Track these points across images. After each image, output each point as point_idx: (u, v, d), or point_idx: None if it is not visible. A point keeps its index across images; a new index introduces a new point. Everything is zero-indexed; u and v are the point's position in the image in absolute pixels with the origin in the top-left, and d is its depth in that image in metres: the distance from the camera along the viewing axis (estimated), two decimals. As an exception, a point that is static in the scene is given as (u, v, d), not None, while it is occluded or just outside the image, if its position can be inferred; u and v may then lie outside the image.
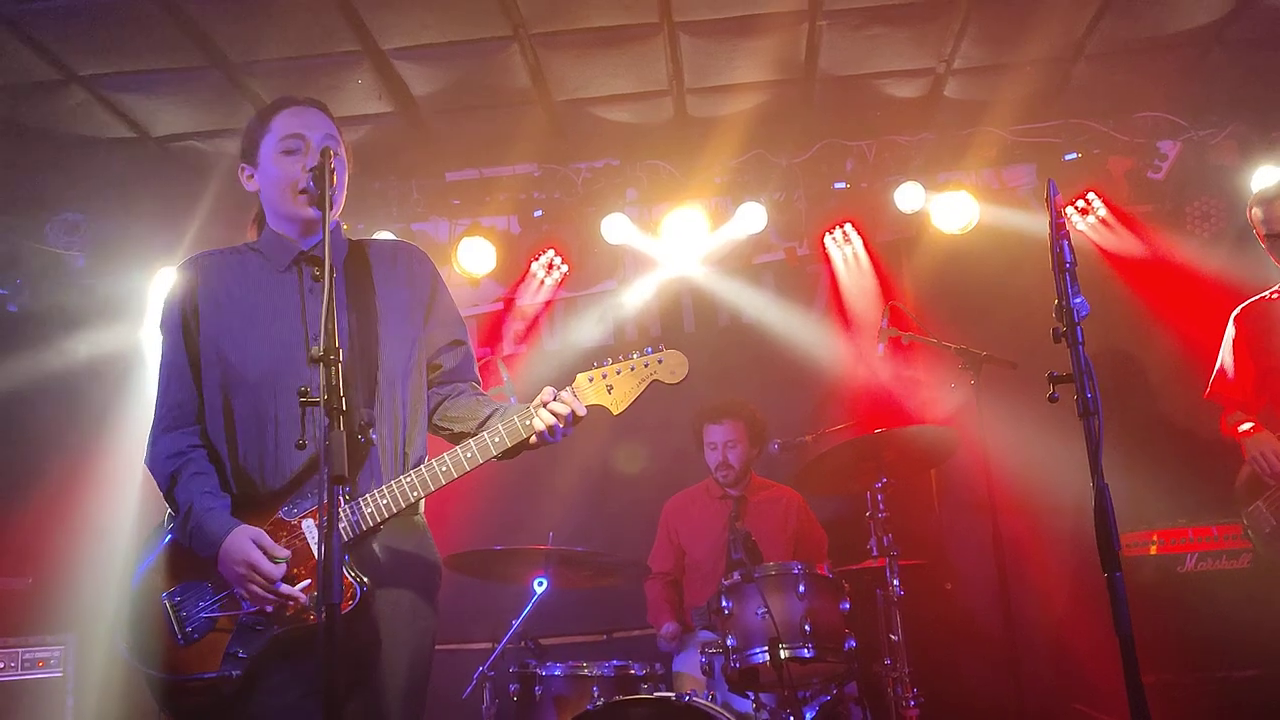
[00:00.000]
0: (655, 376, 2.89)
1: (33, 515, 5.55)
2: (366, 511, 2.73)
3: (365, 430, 2.80)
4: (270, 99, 5.46)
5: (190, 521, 2.75)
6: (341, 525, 2.69)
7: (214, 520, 2.73)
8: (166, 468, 2.84)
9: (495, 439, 2.79)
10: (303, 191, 2.88)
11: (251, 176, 3.02)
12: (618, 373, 2.87)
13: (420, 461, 2.92)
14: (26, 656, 5.06)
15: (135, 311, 6.31)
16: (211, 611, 2.73)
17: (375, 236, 6.07)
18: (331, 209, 2.85)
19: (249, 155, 3.00)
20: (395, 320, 2.95)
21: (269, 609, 2.68)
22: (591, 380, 2.87)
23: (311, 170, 2.81)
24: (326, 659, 2.28)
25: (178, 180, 6.11)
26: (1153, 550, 5.43)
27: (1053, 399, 2.60)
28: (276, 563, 2.67)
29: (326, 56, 5.26)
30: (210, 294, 2.91)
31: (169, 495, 2.83)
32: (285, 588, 2.68)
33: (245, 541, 2.68)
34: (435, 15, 5.02)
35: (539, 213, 6.36)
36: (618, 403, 2.87)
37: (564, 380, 2.91)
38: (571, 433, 2.85)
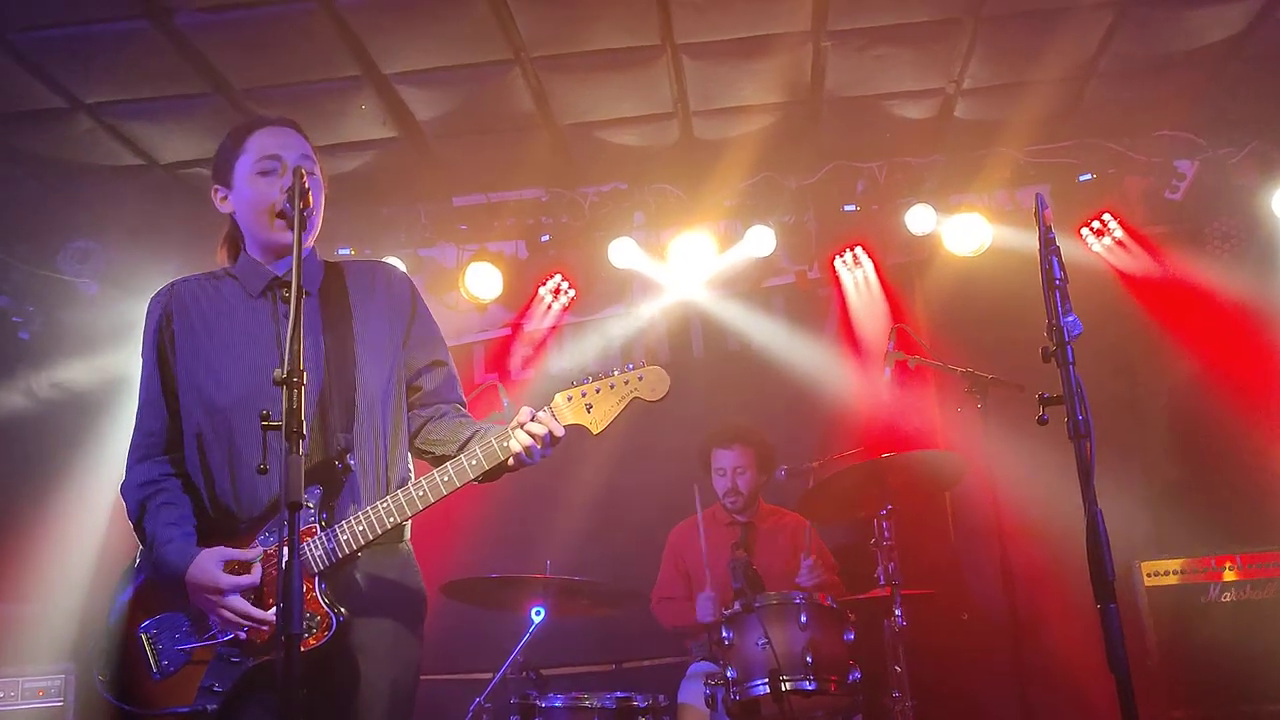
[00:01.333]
0: (636, 394, 2.78)
1: (37, 542, 5.54)
2: (342, 539, 2.67)
3: (343, 455, 2.75)
4: (274, 126, 5.55)
5: (154, 554, 2.72)
6: (317, 553, 2.65)
7: (174, 551, 2.69)
8: (136, 496, 2.81)
9: (472, 462, 2.72)
10: (279, 214, 2.83)
11: (225, 198, 2.97)
12: (596, 391, 2.77)
13: (403, 484, 2.85)
14: (27, 685, 5.04)
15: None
16: (187, 644, 2.69)
17: (353, 257, 6.11)
18: (308, 231, 2.83)
19: (222, 176, 2.95)
20: (373, 342, 2.90)
21: (242, 634, 2.63)
22: (570, 399, 2.77)
23: (287, 191, 2.75)
24: (284, 688, 2.22)
25: (187, 207, 6.12)
26: (1175, 580, 5.29)
27: (1042, 421, 2.50)
28: (249, 573, 2.63)
29: (329, 82, 5.26)
30: (186, 322, 2.88)
31: (138, 526, 2.80)
32: (256, 611, 2.62)
33: (209, 567, 2.64)
34: (435, 39, 5.01)
35: (546, 237, 6.32)
36: (597, 422, 2.77)
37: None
38: (550, 454, 2.76)
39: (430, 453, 2.98)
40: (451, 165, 6.11)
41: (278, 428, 2.36)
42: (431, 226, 6.41)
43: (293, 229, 2.72)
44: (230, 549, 2.67)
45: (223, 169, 2.95)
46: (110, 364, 6.34)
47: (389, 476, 2.85)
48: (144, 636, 2.70)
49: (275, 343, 2.85)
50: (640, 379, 2.78)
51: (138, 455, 2.88)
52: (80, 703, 5.07)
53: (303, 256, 2.59)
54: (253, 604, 2.64)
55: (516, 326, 6.59)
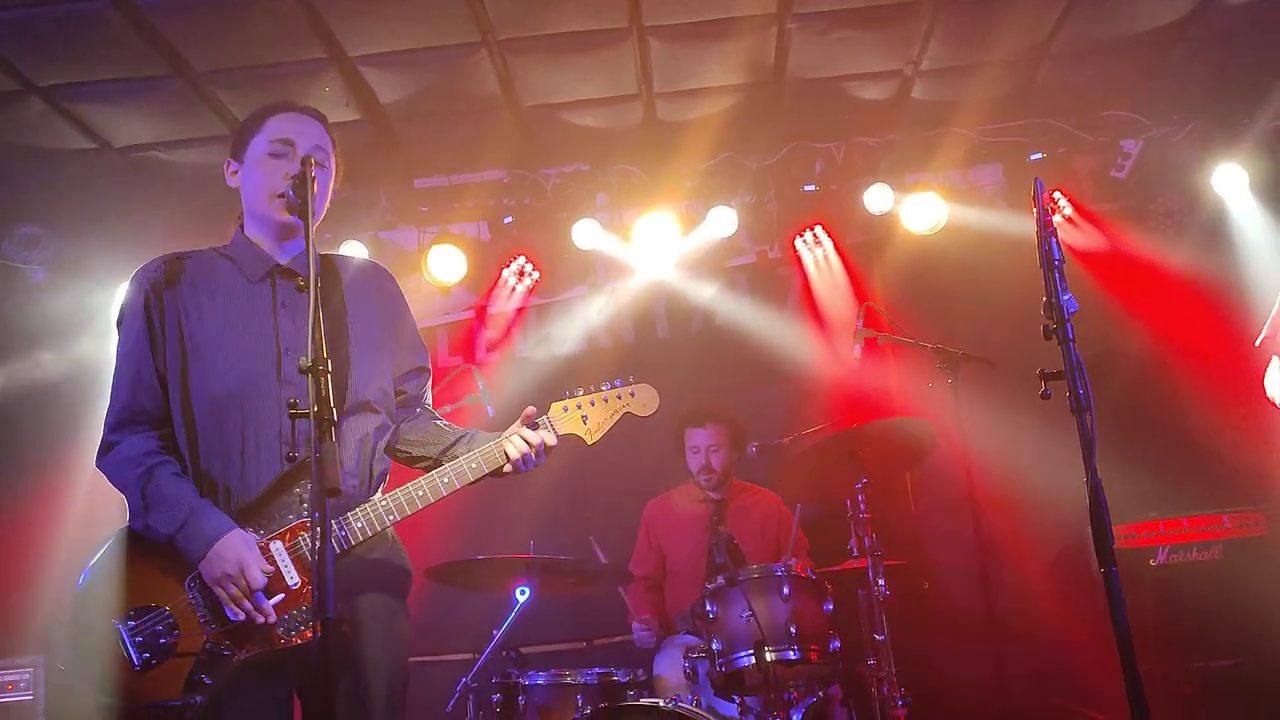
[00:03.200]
0: (628, 408, 2.99)
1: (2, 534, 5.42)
2: (340, 535, 2.69)
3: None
4: (235, 109, 5.47)
5: (184, 514, 2.65)
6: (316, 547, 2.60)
7: (212, 516, 2.66)
8: (141, 464, 2.72)
9: (472, 465, 2.83)
10: (280, 195, 2.83)
11: (235, 173, 2.98)
12: (591, 403, 2.95)
13: (383, 479, 2.93)
14: (-5, 680, 4.94)
15: (98, 326, 6.18)
16: (170, 637, 2.64)
17: (343, 249, 6.07)
18: (313, 218, 2.81)
19: (237, 151, 2.97)
20: (366, 342, 2.92)
21: (237, 618, 2.62)
22: (566, 410, 2.94)
23: (293, 178, 2.74)
24: (323, 673, 2.24)
25: (140, 191, 6.00)
26: (1125, 544, 5.47)
27: (1045, 396, 2.60)
28: (267, 571, 2.64)
29: (293, 64, 5.20)
30: (180, 301, 2.82)
31: (144, 490, 2.69)
32: (263, 601, 2.62)
33: (241, 542, 2.63)
34: (403, 22, 4.97)
35: (509, 219, 6.32)
36: (592, 432, 2.97)
37: (537, 393, 2.97)
38: (543, 462, 2.89)
39: (406, 453, 3.04)
40: (413, 147, 6.08)
41: (306, 415, 2.35)
42: (393, 209, 6.36)
43: (291, 212, 2.79)
44: (253, 542, 2.67)
45: (238, 144, 2.97)
46: (59, 354, 6.20)
47: (372, 473, 2.89)
48: (121, 628, 2.64)
49: (273, 331, 2.83)
50: (633, 395, 3.00)
51: (129, 427, 2.79)
52: (50, 696, 4.98)
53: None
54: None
55: (481, 309, 6.59)
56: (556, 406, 2.93)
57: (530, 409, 2.90)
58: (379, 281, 3.08)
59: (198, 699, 2.59)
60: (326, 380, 2.37)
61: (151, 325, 2.80)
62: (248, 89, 5.32)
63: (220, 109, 5.46)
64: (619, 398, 2.97)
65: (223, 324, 2.81)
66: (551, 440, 2.88)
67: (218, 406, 2.75)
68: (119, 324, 2.88)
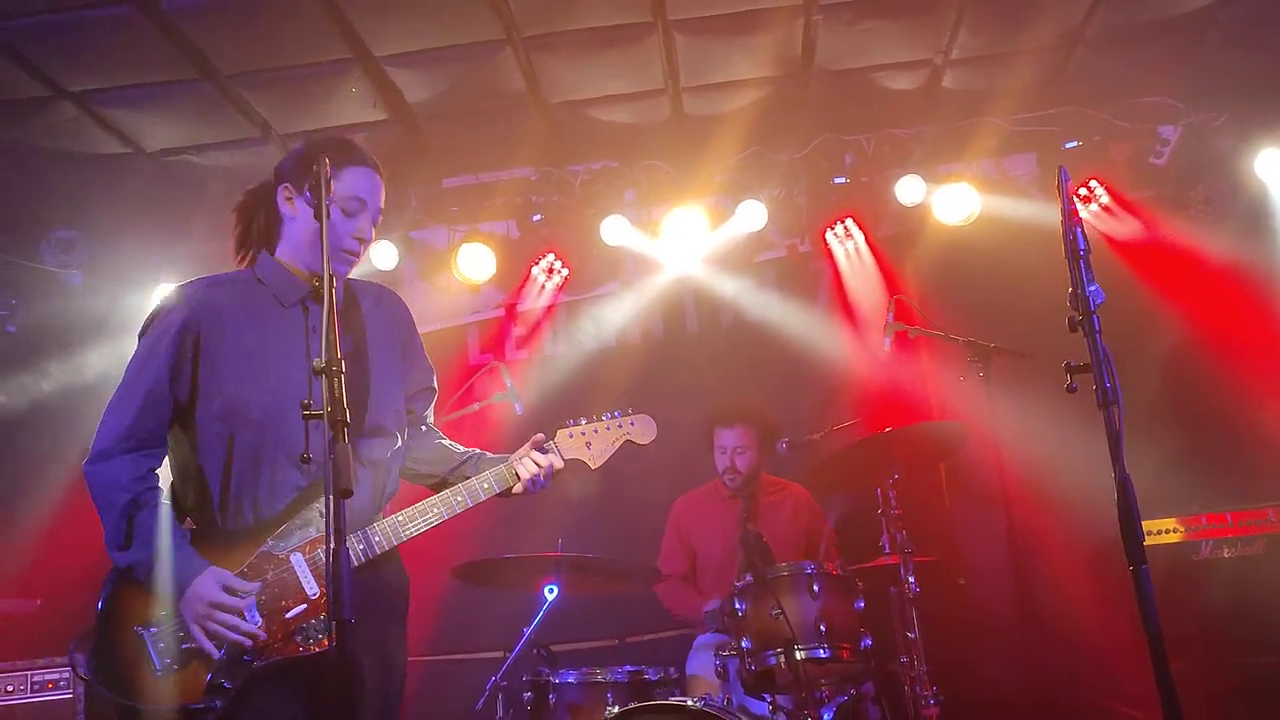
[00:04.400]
0: (628, 436, 3.22)
1: (36, 536, 5.50)
2: (359, 548, 2.81)
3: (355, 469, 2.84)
4: (263, 110, 5.50)
5: (158, 558, 2.71)
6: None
7: (184, 563, 2.71)
8: (125, 493, 2.76)
9: (484, 485, 3.00)
10: (350, 254, 2.95)
11: (292, 201, 2.97)
12: (595, 431, 3.17)
13: (393, 497, 3.04)
14: (36, 678, 5.00)
15: (133, 328, 6.21)
16: (192, 644, 2.70)
17: (373, 250, 6.09)
18: (352, 265, 3.02)
19: (299, 183, 2.94)
20: (383, 364, 3.02)
21: (216, 654, 2.68)
22: (571, 436, 3.16)
23: (310, 188, 2.79)
24: (341, 674, 2.24)
25: (173, 195, 6.07)
26: (1171, 539, 5.37)
27: (1071, 389, 2.54)
28: (243, 597, 2.71)
29: (318, 65, 5.21)
30: (215, 327, 2.86)
31: (125, 520, 2.74)
32: (246, 625, 2.69)
33: (212, 585, 2.69)
34: (427, 20, 4.97)
35: (538, 217, 6.31)
36: (595, 458, 3.18)
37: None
38: (549, 485, 3.09)
39: (414, 470, 3.16)
40: (441, 146, 6.08)
41: (320, 417, 2.37)
42: (422, 209, 6.38)
43: (350, 267, 2.98)
44: (230, 575, 2.73)
45: (302, 177, 2.92)
46: (97, 356, 6.27)
47: (383, 493, 3.00)
48: (144, 634, 2.70)
49: (305, 356, 2.88)
50: (632, 425, 3.24)
51: (127, 445, 2.81)
52: (89, 694, 5.04)
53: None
54: (263, 605, 2.74)
55: (510, 307, 6.60)
56: (562, 433, 3.14)
57: (539, 435, 3.11)
58: (392, 307, 3.18)
59: (218, 703, 2.67)
60: (339, 381, 2.40)
61: (181, 350, 2.83)
62: (274, 91, 5.35)
63: (248, 111, 5.50)
64: (620, 426, 3.20)
65: (258, 350, 2.87)
66: (559, 464, 3.10)
67: (252, 429, 2.82)
68: (141, 336, 2.92)
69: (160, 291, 6.17)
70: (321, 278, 2.59)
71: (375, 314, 3.08)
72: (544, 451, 3.07)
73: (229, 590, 2.69)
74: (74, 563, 5.41)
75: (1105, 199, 6.14)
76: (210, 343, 2.84)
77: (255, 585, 2.73)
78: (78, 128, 5.51)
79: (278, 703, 2.72)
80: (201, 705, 2.65)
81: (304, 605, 2.75)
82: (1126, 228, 6.10)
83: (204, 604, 2.66)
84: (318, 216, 2.65)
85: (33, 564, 5.39)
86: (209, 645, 2.67)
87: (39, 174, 5.87)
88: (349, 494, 2.29)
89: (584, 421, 3.16)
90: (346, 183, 2.92)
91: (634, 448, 3.23)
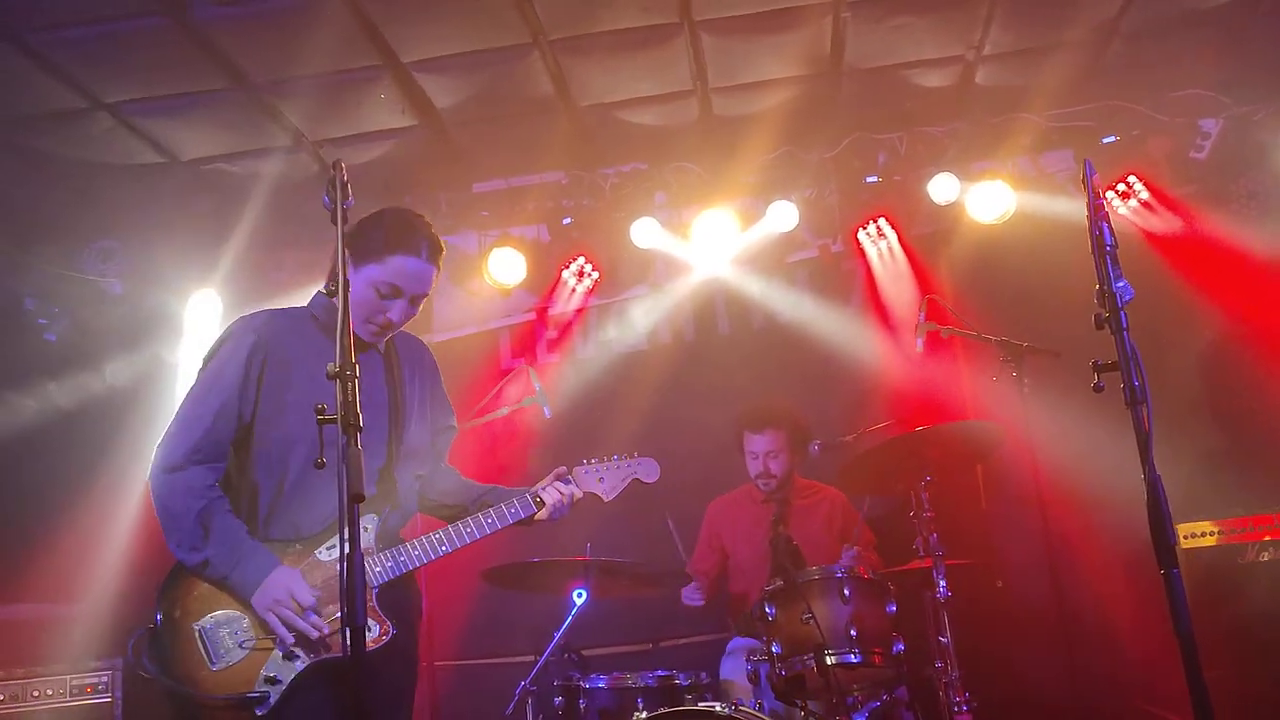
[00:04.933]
0: (635, 475, 3.62)
1: (76, 541, 5.57)
2: (400, 559, 3.11)
3: (392, 494, 3.18)
4: (294, 118, 5.54)
5: (238, 557, 2.96)
6: (377, 570, 3.04)
7: (262, 559, 2.98)
8: (201, 499, 3.01)
9: (512, 510, 3.30)
10: (370, 323, 3.17)
11: (358, 268, 3.15)
12: (606, 468, 3.56)
13: (410, 517, 3.35)
14: (75, 683, 5.07)
15: (172, 334, 6.34)
16: (246, 641, 2.95)
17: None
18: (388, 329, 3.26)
19: (358, 253, 3.13)
20: (416, 402, 3.32)
21: (290, 640, 2.92)
22: (586, 473, 3.53)
23: (329, 210, 2.82)
24: (354, 681, 2.27)
25: (208, 203, 6.14)
26: (1211, 541, 5.25)
27: (1098, 388, 2.49)
28: (309, 595, 2.98)
29: (348, 72, 5.25)
30: (279, 355, 3.13)
31: (199, 524, 2.97)
32: (313, 618, 2.94)
33: (290, 579, 2.97)
34: (453, 25, 4.99)
35: (568, 220, 6.31)
36: (607, 493, 3.57)
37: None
38: (567, 514, 3.45)
39: (438, 502, 3.47)
40: (471, 151, 6.10)
41: (333, 421, 2.38)
42: (453, 214, 6.40)
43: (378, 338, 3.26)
44: (302, 580, 3.00)
45: (362, 248, 3.14)
46: (137, 363, 6.36)
47: (408, 518, 3.33)
48: (199, 630, 2.94)
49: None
50: (639, 465, 3.64)
51: (197, 457, 3.05)
52: (129, 698, 5.10)
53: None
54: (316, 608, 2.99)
55: (541, 311, 6.60)
56: (579, 470, 3.52)
57: (561, 468, 3.47)
58: (418, 346, 3.49)
59: (271, 695, 2.89)
60: (353, 386, 2.44)
61: (248, 372, 3.09)
62: (305, 99, 5.39)
63: (280, 118, 5.55)
64: (628, 466, 3.60)
65: (312, 375, 3.01)
66: (579, 494, 3.47)
67: (300, 447, 3.06)
68: (208, 359, 3.17)
69: (198, 299, 6.25)
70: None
71: (408, 354, 3.39)
72: (566, 483, 3.43)
73: (303, 587, 2.97)
74: (112, 569, 5.51)
75: (1144, 194, 6.02)
76: (274, 368, 3.10)
77: (318, 591, 2.99)
78: (114, 138, 5.59)
79: (322, 700, 2.91)
80: (255, 694, 2.87)
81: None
82: (1166, 224, 5.98)
83: (279, 594, 2.92)
84: (365, 285, 3.14)
85: (72, 570, 5.47)
86: (283, 631, 2.91)
87: (79, 184, 5.96)
88: (360, 498, 2.34)
89: (595, 461, 3.55)
90: (390, 268, 3.10)
91: (641, 486, 3.61)
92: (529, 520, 3.33)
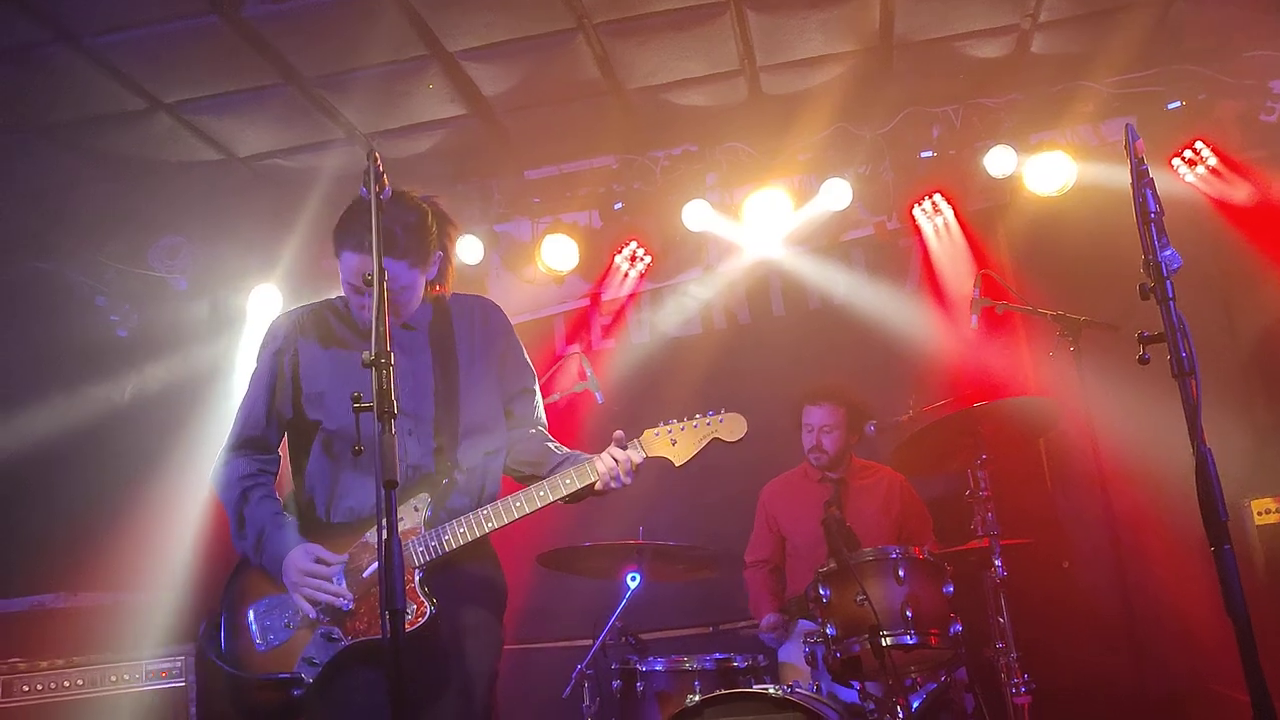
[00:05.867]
0: (716, 435, 3.19)
1: (147, 531, 5.73)
2: (444, 538, 3.00)
3: (450, 471, 3.07)
4: (346, 111, 5.61)
5: (263, 539, 3.06)
6: (419, 549, 2.98)
7: (283, 538, 3.04)
8: (238, 487, 3.15)
9: (566, 481, 3.07)
10: (365, 322, 3.10)
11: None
12: (681, 429, 3.17)
13: (493, 498, 3.15)
14: (150, 668, 5.21)
15: (236, 328, 6.48)
16: (292, 622, 3.01)
17: (458, 245, 6.18)
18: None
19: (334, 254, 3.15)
20: (476, 373, 3.21)
21: (313, 614, 2.94)
22: (658, 435, 3.17)
23: (364, 186, 2.80)
24: (392, 665, 2.29)
25: (267, 198, 6.25)
26: (1270, 519, 5.09)
27: (1143, 360, 2.42)
28: (329, 565, 2.97)
29: (395, 64, 5.28)
30: (310, 348, 3.19)
31: (238, 512, 3.12)
32: (331, 587, 2.95)
33: (305, 556, 2.99)
34: (497, 12, 4.99)
35: (619, 205, 6.29)
36: (680, 455, 3.17)
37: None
38: (631, 481, 3.13)
39: (519, 471, 3.31)
40: (522, 138, 6.12)
41: (370, 409, 2.41)
42: (505, 202, 6.42)
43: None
44: (322, 549, 3.01)
45: (334, 251, 3.15)
46: (204, 356, 6.52)
47: (482, 493, 3.18)
48: (251, 613, 3.04)
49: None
50: (721, 421, 3.20)
51: (239, 449, 3.21)
52: (201, 682, 5.23)
53: (412, 293, 3.08)
54: (356, 587, 2.99)
55: (595, 296, 6.60)
56: (649, 432, 3.17)
57: (619, 432, 3.15)
58: (483, 312, 3.34)
59: (306, 675, 2.94)
60: (388, 374, 2.46)
61: (278, 369, 3.18)
62: (355, 92, 5.45)
63: (332, 113, 5.61)
64: (708, 424, 3.17)
65: (346, 364, 3.12)
66: (638, 458, 3.12)
67: (344, 435, 3.08)
68: (257, 360, 3.26)
69: (259, 293, 6.38)
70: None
71: (468, 324, 3.28)
72: (623, 448, 3.12)
73: (320, 560, 2.97)
74: (182, 557, 5.66)
75: (1212, 161, 5.81)
76: (306, 361, 3.17)
77: (343, 557, 2.99)
78: (174, 137, 5.70)
79: (362, 679, 2.92)
80: (289, 675, 2.92)
81: None
82: (1235, 190, 5.77)
83: (297, 572, 2.96)
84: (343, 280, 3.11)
85: (144, 559, 5.62)
86: (306, 607, 2.94)
87: (143, 183, 6.11)
88: (394, 485, 2.36)
89: (673, 421, 3.18)
90: (344, 265, 3.08)
91: (722, 445, 3.20)
92: (588, 490, 3.10)
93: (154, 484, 5.91)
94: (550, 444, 3.28)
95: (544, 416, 3.39)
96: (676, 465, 3.17)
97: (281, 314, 3.32)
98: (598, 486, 3.08)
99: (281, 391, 3.18)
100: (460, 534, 2.99)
